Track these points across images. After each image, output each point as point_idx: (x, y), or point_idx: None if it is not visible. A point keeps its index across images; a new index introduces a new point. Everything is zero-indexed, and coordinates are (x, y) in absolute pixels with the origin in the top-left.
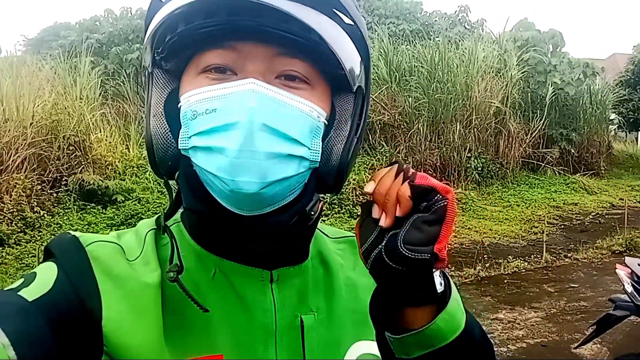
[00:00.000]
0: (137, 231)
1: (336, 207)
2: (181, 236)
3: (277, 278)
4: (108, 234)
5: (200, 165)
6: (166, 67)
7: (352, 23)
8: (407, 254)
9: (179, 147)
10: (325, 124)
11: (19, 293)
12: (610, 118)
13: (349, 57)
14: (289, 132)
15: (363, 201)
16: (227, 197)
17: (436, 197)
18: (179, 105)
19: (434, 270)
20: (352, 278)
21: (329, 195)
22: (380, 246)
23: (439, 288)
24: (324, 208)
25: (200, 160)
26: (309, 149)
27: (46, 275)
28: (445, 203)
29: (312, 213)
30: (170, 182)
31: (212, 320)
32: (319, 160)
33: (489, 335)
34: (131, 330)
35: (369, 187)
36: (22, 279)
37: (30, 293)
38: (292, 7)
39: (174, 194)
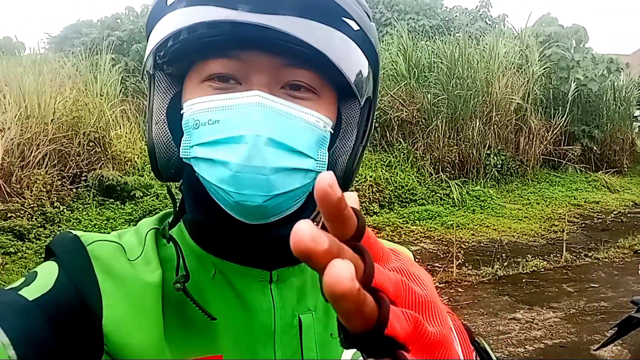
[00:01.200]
0: (137, 230)
1: None
2: (181, 236)
3: (276, 278)
4: (126, 228)
5: (203, 176)
6: (168, 71)
7: (359, 28)
8: None
9: (181, 156)
10: (331, 132)
11: (19, 292)
12: (635, 115)
13: (357, 68)
14: (295, 145)
15: (379, 197)
16: (231, 207)
17: None
18: (181, 112)
19: None
20: None
21: None
22: None
23: None
24: None
25: (202, 171)
26: (315, 160)
27: (47, 274)
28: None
29: (316, 223)
30: (174, 186)
31: (212, 321)
32: (325, 170)
33: (505, 336)
34: (132, 330)
35: None
36: (23, 278)
37: (31, 292)
38: (296, 24)
39: (177, 202)
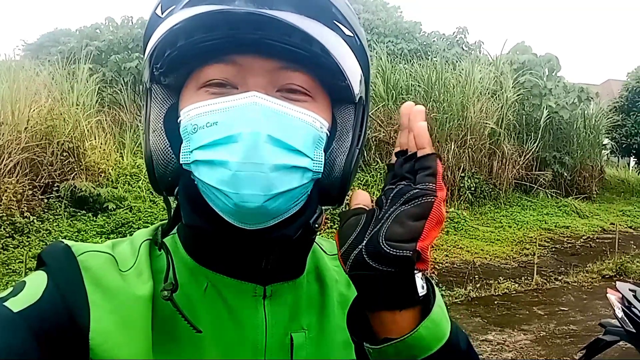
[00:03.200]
0: (132, 241)
1: (329, 222)
2: (175, 248)
3: (270, 294)
4: (98, 242)
5: (203, 179)
6: (165, 82)
7: (352, 34)
8: (388, 251)
9: (181, 162)
10: (327, 134)
11: (4, 303)
12: (604, 143)
13: (351, 68)
14: (293, 143)
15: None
16: (231, 211)
17: (426, 183)
18: (178, 120)
19: (416, 271)
20: (346, 295)
21: (324, 208)
22: (360, 245)
23: (421, 292)
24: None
25: (202, 175)
26: (312, 159)
27: (35, 284)
28: (432, 200)
29: (316, 226)
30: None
31: (202, 336)
32: (321, 170)
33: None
34: (119, 344)
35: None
36: (11, 288)
37: (17, 303)
38: (294, 18)
39: (172, 210)
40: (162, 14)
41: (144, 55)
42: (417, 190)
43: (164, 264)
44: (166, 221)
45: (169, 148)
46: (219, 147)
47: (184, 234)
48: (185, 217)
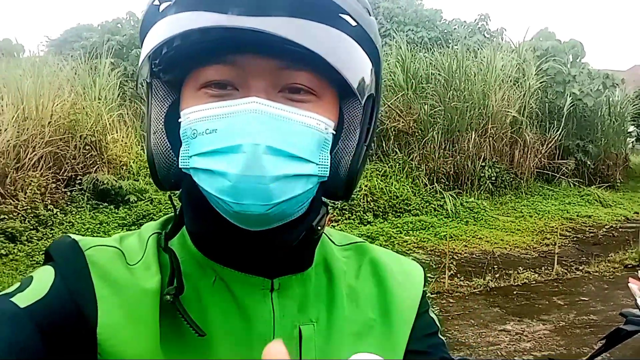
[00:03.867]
0: (140, 234)
1: (347, 212)
2: (183, 241)
3: (277, 287)
4: (119, 233)
5: (203, 186)
6: (165, 78)
7: (357, 24)
8: None
9: (180, 166)
10: (333, 134)
11: (11, 299)
12: (629, 130)
13: (357, 66)
14: (296, 152)
15: (373, 207)
16: (232, 216)
17: None
18: (179, 120)
19: None
20: (354, 287)
21: (338, 201)
22: None
23: None
24: (335, 214)
25: (202, 182)
26: (317, 164)
27: (43, 279)
28: None
29: (319, 227)
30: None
31: (210, 329)
32: (327, 174)
33: (495, 347)
34: (127, 338)
35: None
36: (19, 283)
37: (24, 299)
38: (290, 28)
39: (177, 210)
40: (159, 10)
41: (141, 45)
42: None
43: (170, 271)
44: (176, 214)
45: (170, 151)
46: (218, 156)
47: (190, 230)
48: (188, 222)
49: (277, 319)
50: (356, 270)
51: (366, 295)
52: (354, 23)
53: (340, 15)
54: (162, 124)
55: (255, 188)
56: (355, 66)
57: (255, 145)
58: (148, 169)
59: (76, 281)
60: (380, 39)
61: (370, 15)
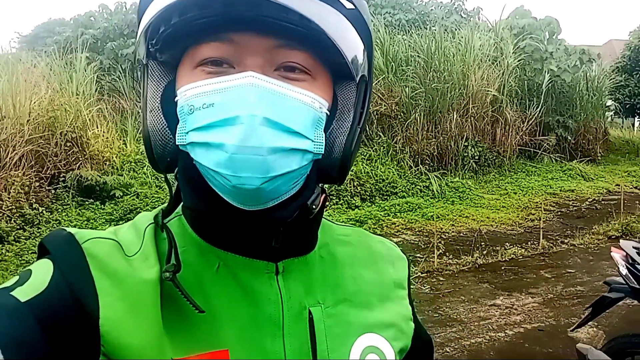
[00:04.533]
0: (135, 225)
1: (334, 198)
2: (183, 229)
3: (282, 270)
4: (106, 229)
5: (199, 160)
6: (161, 58)
7: (353, 7)
8: None
9: (177, 143)
10: (327, 114)
11: (11, 293)
12: (607, 104)
13: (352, 46)
14: (292, 125)
15: (360, 191)
16: (229, 192)
17: None
18: (175, 99)
19: None
20: (359, 270)
21: (327, 185)
22: None
23: None
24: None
25: (199, 156)
26: (313, 141)
27: (41, 273)
28: None
29: (314, 207)
30: (170, 176)
31: (216, 315)
32: (322, 152)
33: (486, 322)
34: (130, 329)
35: None
36: (17, 277)
37: (24, 293)
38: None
39: (173, 190)
40: None
41: (137, 31)
42: None
43: (167, 250)
44: (171, 193)
45: (167, 128)
46: (216, 129)
47: (190, 215)
48: (186, 199)
49: (284, 300)
50: (359, 255)
51: (369, 279)
52: (349, 5)
53: None
54: (158, 102)
55: (252, 159)
56: (351, 45)
57: (253, 116)
58: (132, 163)
59: (75, 275)
60: (371, 23)
61: None
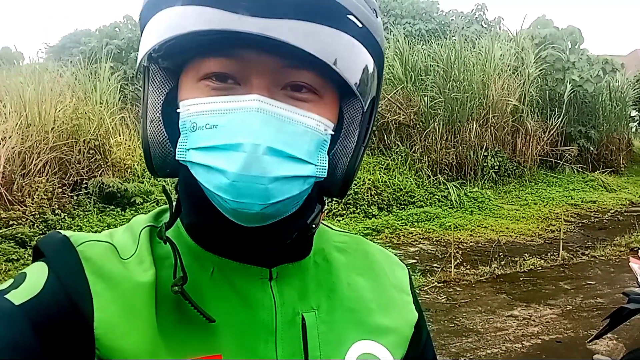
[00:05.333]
0: (131, 228)
1: (351, 207)
2: (178, 233)
3: (276, 275)
4: (117, 227)
5: (200, 181)
6: (163, 65)
7: (363, 26)
8: None
9: (177, 158)
10: (332, 134)
11: (5, 296)
12: (631, 115)
13: (359, 68)
14: (295, 153)
15: (377, 200)
16: (228, 212)
17: None
18: (177, 110)
19: None
20: (355, 277)
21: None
22: None
23: None
24: (339, 209)
25: (199, 176)
26: (315, 165)
27: (36, 276)
28: None
29: (314, 226)
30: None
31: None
32: (325, 175)
33: (502, 333)
34: (124, 332)
35: None
36: (12, 280)
37: (19, 296)
38: (296, 29)
39: (174, 202)
40: None
41: (141, 33)
42: None
43: (167, 250)
44: (166, 206)
45: (167, 141)
46: (218, 152)
47: (186, 222)
48: (185, 214)
49: (278, 306)
50: (355, 262)
51: (365, 286)
52: (360, 24)
53: (347, 16)
54: (159, 112)
55: (254, 187)
56: (359, 69)
57: (256, 145)
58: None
59: (70, 278)
60: (385, 41)
61: (377, 17)
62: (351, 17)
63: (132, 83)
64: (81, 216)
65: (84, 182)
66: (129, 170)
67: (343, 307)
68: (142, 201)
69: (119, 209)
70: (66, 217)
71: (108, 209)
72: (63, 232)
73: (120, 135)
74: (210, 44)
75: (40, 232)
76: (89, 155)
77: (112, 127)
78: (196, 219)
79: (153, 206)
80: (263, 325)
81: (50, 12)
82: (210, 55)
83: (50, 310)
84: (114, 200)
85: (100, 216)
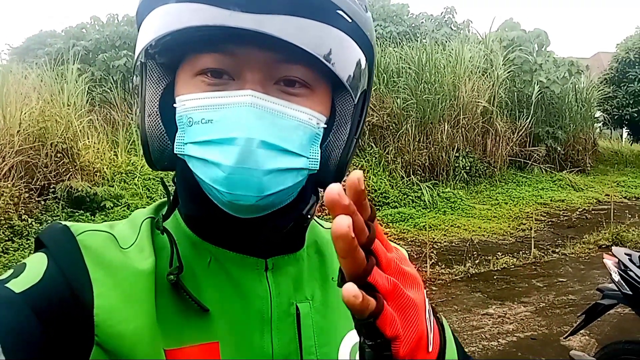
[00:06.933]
0: (131, 220)
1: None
2: (176, 223)
3: (271, 266)
4: (118, 220)
5: (196, 173)
6: (160, 60)
7: (352, 21)
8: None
9: (175, 152)
10: (325, 127)
11: (6, 285)
12: (596, 115)
13: (351, 63)
14: (288, 146)
15: None
16: (224, 204)
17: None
18: (174, 104)
19: None
20: None
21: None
22: None
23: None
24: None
25: (196, 169)
26: (308, 158)
27: (36, 265)
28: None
29: (309, 216)
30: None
31: (208, 308)
32: (318, 167)
33: (479, 331)
34: (123, 319)
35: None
36: (12, 270)
37: (19, 284)
38: (288, 25)
39: (171, 194)
40: None
41: (138, 29)
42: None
43: (166, 240)
44: (165, 200)
45: (165, 135)
46: (213, 146)
47: (184, 213)
48: (183, 205)
49: (273, 296)
50: None
51: None
52: (349, 20)
53: (337, 11)
54: (157, 106)
55: (248, 180)
56: (350, 63)
57: (250, 139)
58: (122, 174)
59: (69, 265)
60: (375, 35)
61: (366, 12)
62: (340, 12)
63: (100, 85)
64: (49, 221)
65: (51, 187)
66: (98, 174)
67: (336, 298)
68: (112, 205)
69: (88, 214)
70: (33, 223)
71: (77, 214)
72: (64, 222)
73: (88, 138)
74: (205, 40)
75: (7, 238)
76: (56, 159)
77: (80, 130)
78: (193, 210)
79: (124, 210)
80: (259, 315)
81: (50, 12)
82: (204, 51)
83: (50, 298)
84: (83, 205)
85: (69, 221)
